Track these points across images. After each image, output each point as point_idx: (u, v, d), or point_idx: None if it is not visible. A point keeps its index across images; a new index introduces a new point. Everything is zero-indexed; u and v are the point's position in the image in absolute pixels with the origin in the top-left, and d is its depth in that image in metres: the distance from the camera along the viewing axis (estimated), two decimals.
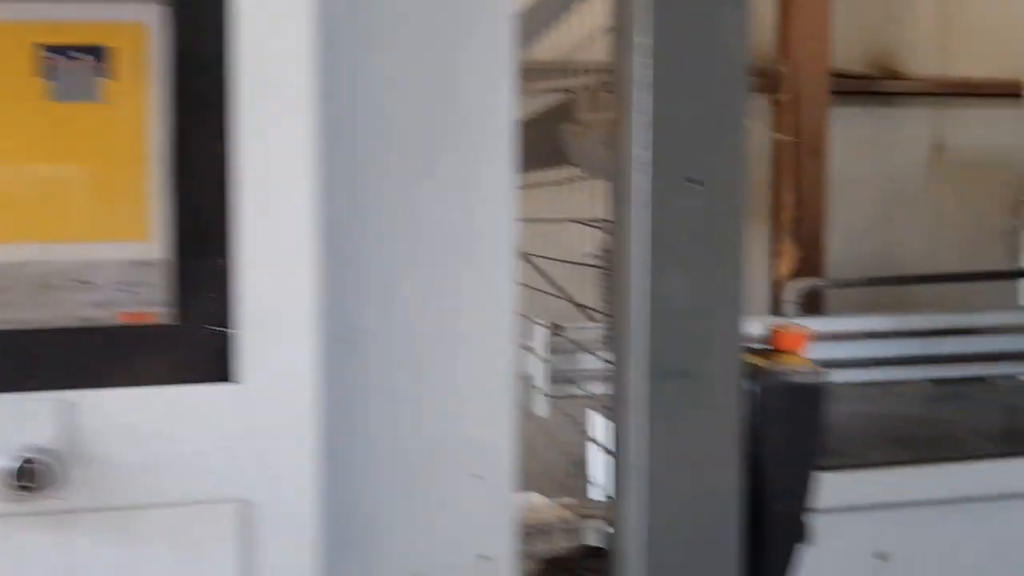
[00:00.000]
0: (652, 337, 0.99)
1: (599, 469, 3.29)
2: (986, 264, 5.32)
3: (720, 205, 1.00)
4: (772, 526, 1.05)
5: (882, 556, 2.49)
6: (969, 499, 2.54)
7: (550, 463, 5.29)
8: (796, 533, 1.07)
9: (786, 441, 1.01)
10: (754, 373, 1.00)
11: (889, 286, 4.79)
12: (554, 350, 3.68)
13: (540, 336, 3.64)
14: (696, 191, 0.99)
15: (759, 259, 5.75)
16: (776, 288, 5.48)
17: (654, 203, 1.01)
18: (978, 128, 5.86)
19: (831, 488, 2.48)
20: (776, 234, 5.51)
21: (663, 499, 0.98)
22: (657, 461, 0.98)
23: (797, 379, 1.00)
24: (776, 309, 5.39)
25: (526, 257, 5.12)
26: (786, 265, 5.42)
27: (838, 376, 3.87)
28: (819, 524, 2.51)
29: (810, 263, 5.30)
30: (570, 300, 5.23)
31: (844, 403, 3.53)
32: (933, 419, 3.13)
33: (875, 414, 3.31)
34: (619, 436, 1.01)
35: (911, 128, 5.93)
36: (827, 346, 3.98)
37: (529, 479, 5.20)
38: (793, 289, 4.01)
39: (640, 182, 1.02)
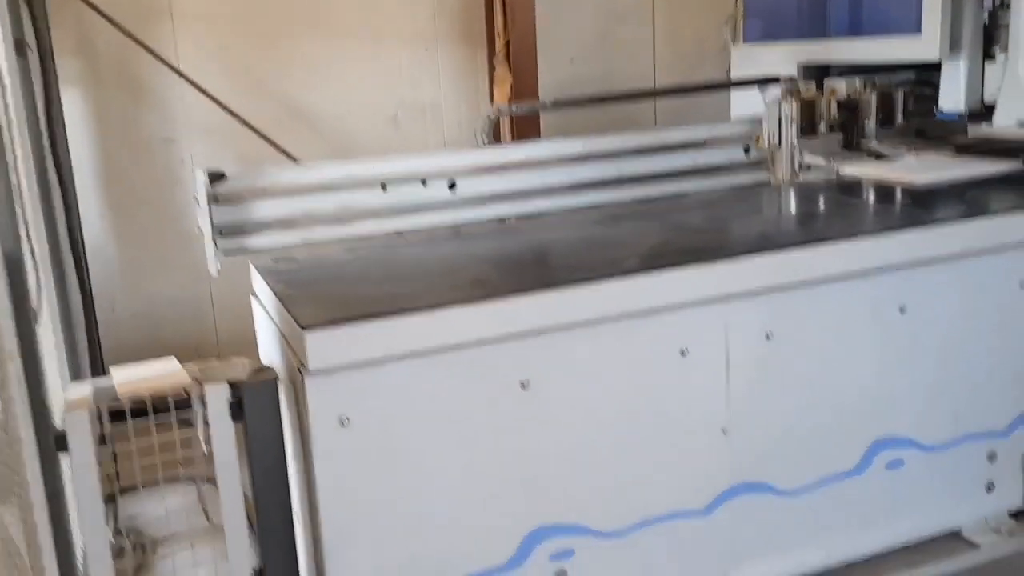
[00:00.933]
0: None
1: (261, 329, 3.00)
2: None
3: None
4: None
5: (524, 384, 2.36)
6: (608, 319, 2.42)
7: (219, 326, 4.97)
8: None
9: None
10: None
11: (601, 105, 4.61)
12: (220, 200, 3.31)
13: (201, 183, 3.22)
14: None
15: (482, 87, 5.49)
16: None
17: None
18: None
19: (480, 320, 2.32)
20: (491, 61, 5.24)
21: None
22: None
23: None
24: (496, 137, 5.19)
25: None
26: (502, 92, 5.19)
27: (528, 206, 3.73)
28: (470, 356, 2.36)
29: (524, 88, 5.09)
30: (263, 137, 4.79)
31: (524, 234, 3.37)
32: (606, 241, 3.00)
33: (552, 241, 3.15)
34: None
35: None
36: (524, 174, 3.81)
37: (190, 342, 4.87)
38: (482, 116, 3.75)
39: None
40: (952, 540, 3.00)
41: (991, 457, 2.99)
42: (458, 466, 2.30)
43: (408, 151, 4.33)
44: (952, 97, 3.90)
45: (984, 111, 3.80)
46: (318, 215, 3.37)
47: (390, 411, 2.21)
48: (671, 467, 2.55)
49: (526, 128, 5.11)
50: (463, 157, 3.64)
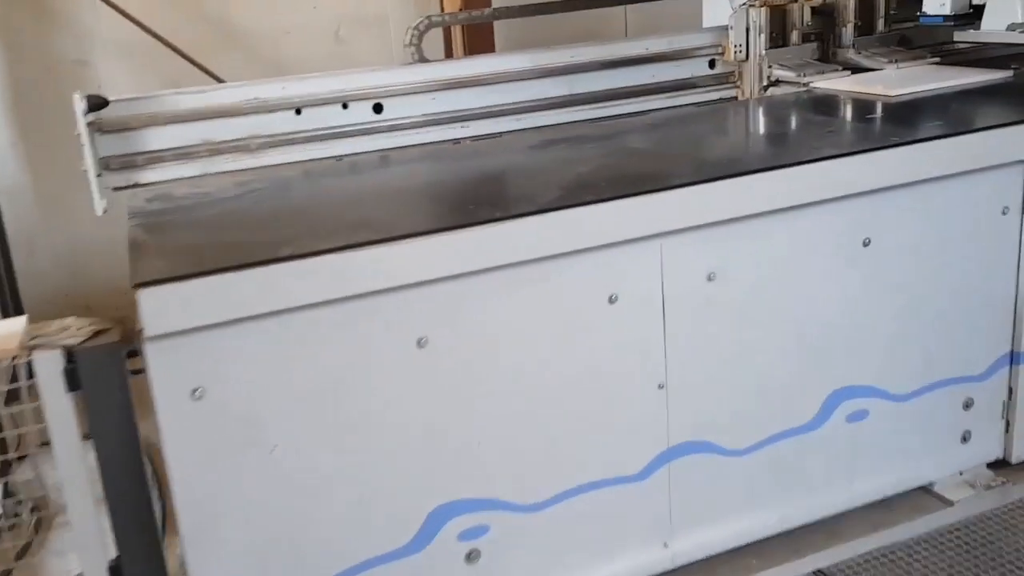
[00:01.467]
0: None
1: None
2: None
3: None
4: None
5: (421, 342, 2.04)
6: (522, 264, 2.09)
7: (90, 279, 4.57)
8: None
9: None
10: None
11: (554, 14, 4.18)
12: (104, 128, 2.95)
13: (79, 111, 2.86)
14: None
15: None
16: None
17: None
18: None
19: (365, 268, 1.97)
20: None
21: None
22: None
23: None
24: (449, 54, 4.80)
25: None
26: (453, 3, 4.77)
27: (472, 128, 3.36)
28: (355, 311, 2.01)
29: None
30: (189, 59, 4.38)
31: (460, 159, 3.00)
32: (533, 170, 2.65)
33: (472, 169, 2.80)
34: None
35: None
36: (462, 94, 3.42)
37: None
38: (409, 29, 3.35)
39: None
40: (922, 496, 2.72)
41: (967, 405, 2.69)
42: (343, 439, 2.00)
43: None
44: None
45: (972, 13, 3.42)
46: (221, 144, 3.03)
47: (256, 379, 1.90)
48: (599, 429, 2.26)
49: (480, 45, 4.71)
50: (389, 75, 3.28)
